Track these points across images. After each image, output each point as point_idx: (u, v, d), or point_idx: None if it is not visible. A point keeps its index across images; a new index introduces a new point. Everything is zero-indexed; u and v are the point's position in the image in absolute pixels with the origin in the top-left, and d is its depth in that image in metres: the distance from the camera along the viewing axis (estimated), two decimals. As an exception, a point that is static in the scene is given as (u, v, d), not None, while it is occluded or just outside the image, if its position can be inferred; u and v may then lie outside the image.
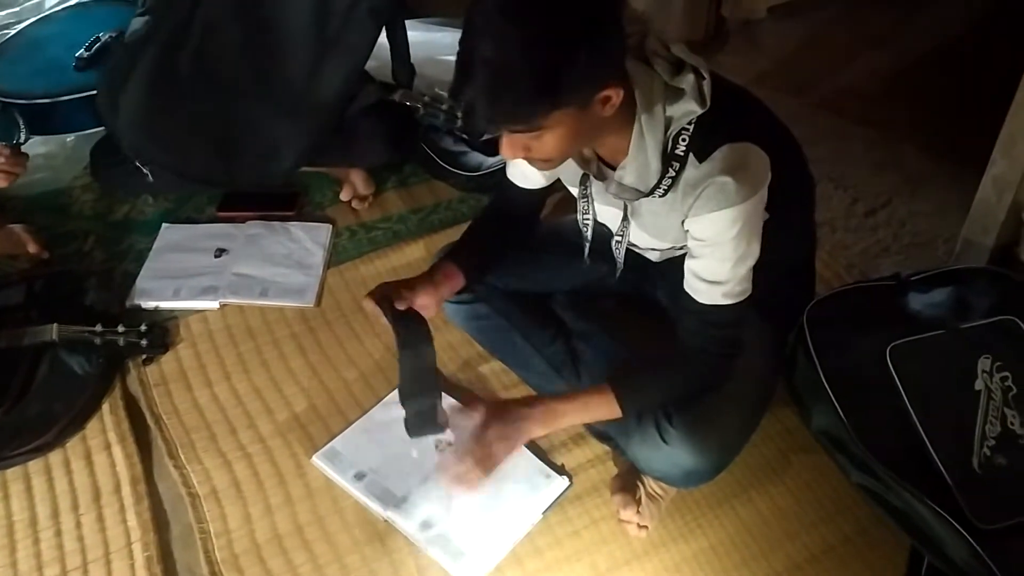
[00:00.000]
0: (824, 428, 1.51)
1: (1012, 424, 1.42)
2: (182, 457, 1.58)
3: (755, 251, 1.25)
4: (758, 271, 1.26)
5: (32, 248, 1.90)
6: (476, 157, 2.16)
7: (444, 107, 2.07)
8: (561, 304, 1.71)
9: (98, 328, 1.66)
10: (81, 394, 1.64)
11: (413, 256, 1.96)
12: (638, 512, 1.45)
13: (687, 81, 1.16)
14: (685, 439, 1.35)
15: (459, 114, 2.06)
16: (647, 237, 1.38)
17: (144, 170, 1.98)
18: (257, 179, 1.99)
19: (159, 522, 1.50)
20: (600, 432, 1.57)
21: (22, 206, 2.06)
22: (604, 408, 1.34)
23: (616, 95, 1.12)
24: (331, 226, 2.05)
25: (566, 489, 1.51)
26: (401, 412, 1.42)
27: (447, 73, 2.25)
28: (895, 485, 1.38)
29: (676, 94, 1.17)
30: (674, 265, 1.46)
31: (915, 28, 2.69)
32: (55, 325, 1.64)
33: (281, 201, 2.11)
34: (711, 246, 1.23)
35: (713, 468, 1.40)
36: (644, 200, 1.27)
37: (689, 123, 1.18)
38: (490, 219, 1.60)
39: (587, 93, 1.10)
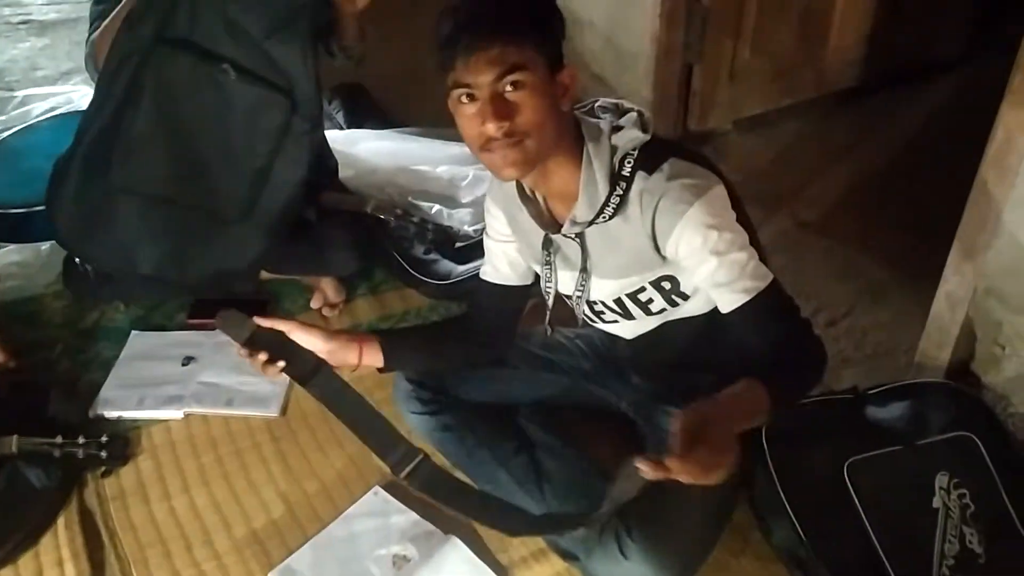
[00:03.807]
0: (785, 545, 1.50)
1: (971, 543, 1.42)
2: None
3: (744, 236, 1.29)
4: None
5: (-1, 357, 1.90)
6: (446, 265, 2.18)
7: (415, 219, 2.11)
8: (526, 415, 1.71)
9: (58, 440, 1.64)
10: (37, 509, 1.62)
11: (381, 364, 1.96)
12: None
13: (630, 118, 1.33)
14: (644, 553, 1.34)
15: (430, 227, 2.12)
16: (612, 284, 1.40)
17: (87, 269, 1.98)
18: (212, 280, 1.94)
19: (108, 644, 1.46)
20: (563, 549, 1.55)
21: (-7, 315, 2.06)
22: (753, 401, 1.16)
23: (572, 83, 1.27)
24: (300, 334, 2.06)
25: (526, 608, 1.49)
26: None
27: (419, 183, 2.34)
28: (854, 606, 1.37)
29: (620, 129, 1.31)
30: (647, 347, 1.50)
31: (875, 141, 2.78)
32: (15, 437, 1.62)
33: (251, 308, 2.10)
34: (701, 252, 1.26)
35: None
36: (599, 236, 1.34)
37: (634, 149, 1.29)
38: (453, 323, 1.63)
39: (555, 52, 1.25)
